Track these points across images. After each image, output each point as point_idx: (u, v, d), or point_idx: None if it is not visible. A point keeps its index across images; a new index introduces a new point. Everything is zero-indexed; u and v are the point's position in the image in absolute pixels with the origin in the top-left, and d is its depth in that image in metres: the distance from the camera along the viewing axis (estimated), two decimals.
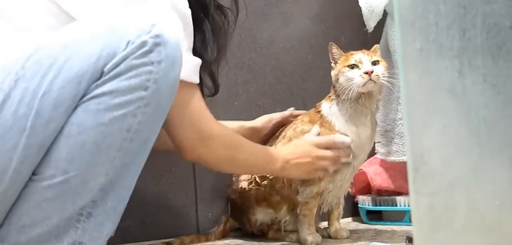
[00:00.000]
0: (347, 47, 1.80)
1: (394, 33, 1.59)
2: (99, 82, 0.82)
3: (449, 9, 0.54)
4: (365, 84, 1.23)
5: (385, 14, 1.62)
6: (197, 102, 1.04)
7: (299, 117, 1.41)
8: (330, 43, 1.32)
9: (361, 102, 1.28)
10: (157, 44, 0.83)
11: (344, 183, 1.36)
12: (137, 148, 0.88)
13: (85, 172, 0.84)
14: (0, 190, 0.82)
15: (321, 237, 1.33)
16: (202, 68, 1.07)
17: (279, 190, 1.35)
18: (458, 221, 0.55)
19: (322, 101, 1.35)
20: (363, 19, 1.63)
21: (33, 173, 0.84)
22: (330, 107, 1.31)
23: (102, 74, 0.82)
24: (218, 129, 1.09)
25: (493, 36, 0.54)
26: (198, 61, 1.03)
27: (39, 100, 0.80)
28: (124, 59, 0.82)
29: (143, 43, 0.82)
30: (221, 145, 1.10)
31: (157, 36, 0.83)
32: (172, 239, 1.43)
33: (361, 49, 1.33)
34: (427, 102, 0.56)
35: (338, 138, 1.27)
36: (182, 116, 1.02)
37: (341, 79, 1.27)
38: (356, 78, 1.24)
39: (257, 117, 1.68)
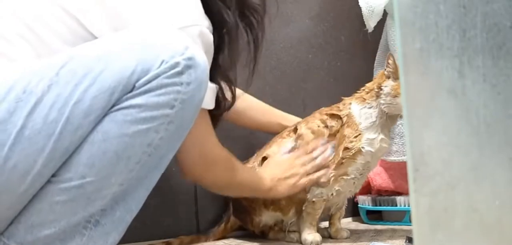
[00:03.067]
0: (348, 47, 1.80)
1: (394, 33, 1.59)
2: (129, 95, 0.84)
3: (449, 9, 0.54)
4: None
5: (385, 14, 1.62)
6: (205, 127, 1.07)
7: (319, 111, 1.40)
8: (389, 53, 1.32)
9: (394, 119, 1.32)
10: (188, 66, 0.86)
11: (354, 188, 1.37)
12: (154, 163, 0.89)
13: (101, 180, 0.85)
14: (21, 190, 0.82)
15: (321, 237, 1.33)
16: (226, 81, 1.11)
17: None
18: (458, 221, 0.55)
19: (351, 101, 1.35)
20: (363, 19, 1.63)
21: (52, 175, 0.85)
22: (361, 109, 1.32)
23: (133, 88, 0.84)
24: (221, 154, 1.13)
25: (493, 36, 0.54)
26: (214, 86, 1.05)
27: (71, 107, 0.82)
28: (156, 76, 0.84)
29: (176, 64, 0.85)
30: (222, 169, 1.15)
31: (189, 58, 0.86)
32: (172, 239, 1.43)
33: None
34: (427, 102, 0.56)
35: (315, 143, 1.32)
36: (188, 138, 1.03)
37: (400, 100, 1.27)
38: None
39: None
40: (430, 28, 0.54)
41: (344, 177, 1.31)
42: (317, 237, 1.31)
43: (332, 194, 1.31)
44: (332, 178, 1.30)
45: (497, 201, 0.55)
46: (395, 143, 1.59)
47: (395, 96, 1.27)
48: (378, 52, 1.70)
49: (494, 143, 0.55)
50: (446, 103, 0.55)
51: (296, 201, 1.35)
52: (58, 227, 0.85)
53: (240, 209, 1.45)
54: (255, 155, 1.43)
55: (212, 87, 1.04)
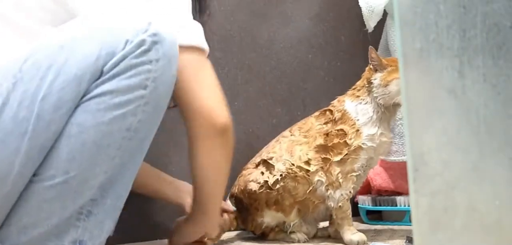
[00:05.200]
0: (348, 47, 1.80)
1: (394, 33, 1.59)
2: (98, 81, 0.82)
3: (449, 9, 0.54)
4: None
5: (385, 14, 1.62)
6: (212, 70, 1.03)
7: (311, 118, 1.41)
8: (370, 47, 1.32)
9: (391, 110, 1.31)
10: (155, 42, 0.84)
11: (357, 185, 1.38)
12: (136, 146, 0.88)
13: (85, 172, 0.84)
14: (3, 192, 0.82)
15: (365, 236, 1.33)
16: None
17: (293, 190, 1.35)
18: (458, 221, 0.55)
19: (345, 98, 1.36)
20: (363, 19, 1.63)
21: (33, 174, 0.84)
22: (356, 105, 1.32)
23: (101, 73, 0.82)
24: None
25: (493, 36, 0.54)
26: (201, 27, 1.03)
27: (39, 103, 0.80)
28: (123, 58, 0.82)
29: (142, 42, 0.83)
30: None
31: (154, 34, 0.84)
32: None
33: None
34: (427, 102, 0.56)
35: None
36: (207, 81, 1.00)
37: (394, 88, 1.28)
38: None
39: (257, 117, 1.68)
40: (430, 28, 0.54)
41: (353, 174, 1.31)
42: (362, 236, 1.31)
43: (350, 191, 1.32)
44: (341, 178, 1.31)
45: (497, 201, 0.55)
46: (395, 143, 1.59)
47: (386, 86, 1.29)
48: (378, 52, 1.70)
49: (494, 143, 0.55)
50: (446, 103, 0.55)
51: (300, 202, 1.36)
52: (51, 224, 0.85)
53: (240, 208, 1.44)
54: (258, 155, 1.43)
55: (199, 27, 1.02)
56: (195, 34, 0.99)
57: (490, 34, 0.54)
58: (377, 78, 1.30)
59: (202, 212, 1.13)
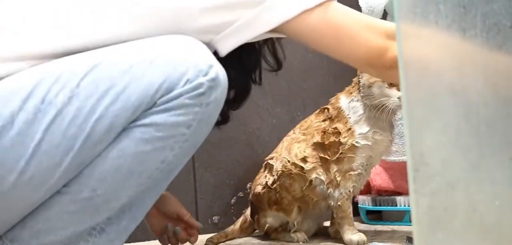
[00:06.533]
0: None
1: None
2: (148, 111, 0.82)
3: (449, 9, 0.54)
4: (399, 106, 1.24)
5: (385, 14, 1.62)
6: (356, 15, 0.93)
7: (312, 115, 1.41)
8: None
9: (382, 111, 1.28)
10: (211, 87, 0.83)
11: (360, 185, 1.39)
12: (164, 176, 0.88)
13: (111, 193, 0.84)
14: (34, 199, 0.82)
15: (365, 236, 1.33)
16: (264, 42, 1.07)
17: (289, 188, 1.35)
18: (458, 221, 0.55)
19: (341, 95, 1.36)
20: None
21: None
22: (349, 102, 1.32)
23: (154, 104, 0.82)
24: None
25: (493, 36, 0.54)
26: None
27: (92, 123, 0.79)
28: (179, 96, 0.82)
29: (200, 85, 0.82)
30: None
31: (212, 79, 0.83)
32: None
33: None
34: (427, 102, 0.56)
35: None
36: (352, 30, 0.91)
37: (376, 90, 1.27)
38: (394, 98, 1.24)
39: (256, 117, 1.68)
40: (430, 28, 0.54)
41: (351, 173, 1.31)
42: (362, 236, 1.31)
43: (349, 191, 1.32)
44: (338, 176, 1.31)
45: (497, 201, 0.55)
46: (395, 143, 1.59)
47: (369, 87, 1.27)
48: None
49: (494, 143, 0.55)
50: (446, 103, 0.55)
51: (299, 199, 1.36)
52: (64, 234, 0.85)
53: (252, 207, 1.46)
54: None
55: None
56: None
57: (490, 34, 0.54)
58: (363, 77, 1.30)
59: None
